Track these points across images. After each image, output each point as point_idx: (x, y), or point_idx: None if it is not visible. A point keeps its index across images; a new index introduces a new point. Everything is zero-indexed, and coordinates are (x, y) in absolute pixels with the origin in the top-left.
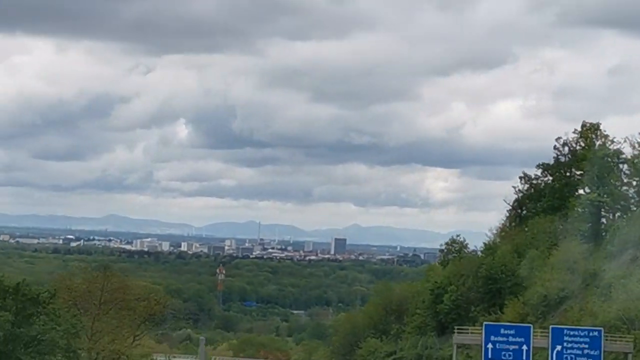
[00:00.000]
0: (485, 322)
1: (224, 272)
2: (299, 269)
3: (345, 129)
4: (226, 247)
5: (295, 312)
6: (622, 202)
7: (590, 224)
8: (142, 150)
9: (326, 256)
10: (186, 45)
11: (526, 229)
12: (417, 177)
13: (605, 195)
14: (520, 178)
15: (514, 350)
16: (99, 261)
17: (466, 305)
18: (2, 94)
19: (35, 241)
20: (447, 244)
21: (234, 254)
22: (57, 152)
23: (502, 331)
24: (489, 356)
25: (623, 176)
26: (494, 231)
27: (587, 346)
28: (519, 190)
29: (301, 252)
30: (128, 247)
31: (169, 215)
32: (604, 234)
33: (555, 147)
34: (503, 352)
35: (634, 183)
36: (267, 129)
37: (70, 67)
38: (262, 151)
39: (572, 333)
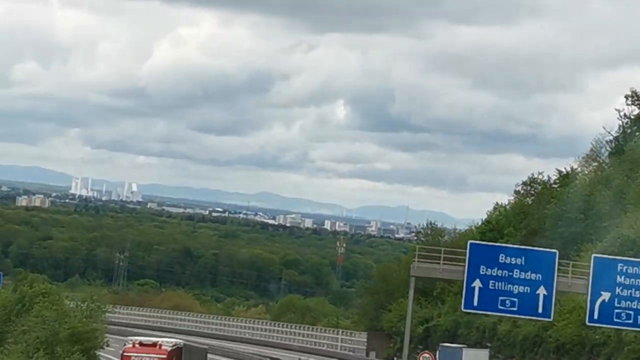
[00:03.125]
0: (470, 241)
1: (344, 245)
2: None
3: (505, 117)
4: (370, 229)
5: None
6: None
7: None
8: (299, 129)
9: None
10: (350, 24)
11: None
12: None
13: None
14: (627, 97)
15: (520, 294)
16: (227, 230)
17: None
18: (166, 65)
19: (181, 210)
20: (524, 183)
21: (375, 235)
22: (215, 126)
23: (500, 259)
24: (474, 303)
25: None
26: (580, 160)
27: None
28: (624, 115)
29: None
30: (270, 221)
31: (322, 196)
32: None
33: None
34: (501, 298)
35: None
36: (425, 113)
37: (233, 41)
38: (419, 136)
39: (634, 270)
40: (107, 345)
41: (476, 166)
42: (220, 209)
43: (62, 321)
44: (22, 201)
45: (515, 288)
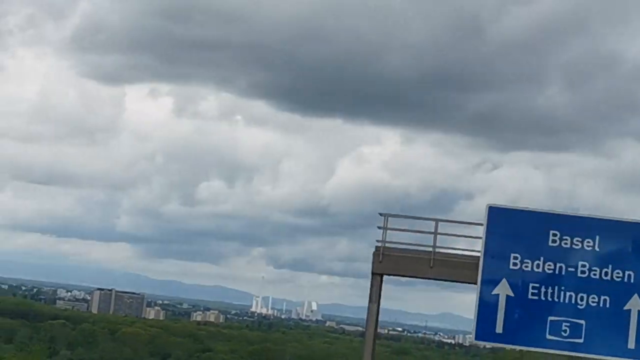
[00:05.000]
0: (489, 204)
1: None
2: None
3: None
4: None
5: None
6: None
7: None
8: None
9: None
10: (534, 143)
11: None
12: None
13: None
14: None
15: (591, 312)
16: (400, 347)
17: None
18: (349, 184)
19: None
20: None
21: None
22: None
23: (551, 239)
24: (498, 329)
25: None
26: None
27: None
28: None
29: None
30: (447, 340)
31: None
32: None
33: None
34: (552, 319)
35: None
36: None
37: (416, 160)
38: None
39: None
40: None
41: None
42: (400, 328)
43: None
44: (197, 316)
45: (582, 299)
